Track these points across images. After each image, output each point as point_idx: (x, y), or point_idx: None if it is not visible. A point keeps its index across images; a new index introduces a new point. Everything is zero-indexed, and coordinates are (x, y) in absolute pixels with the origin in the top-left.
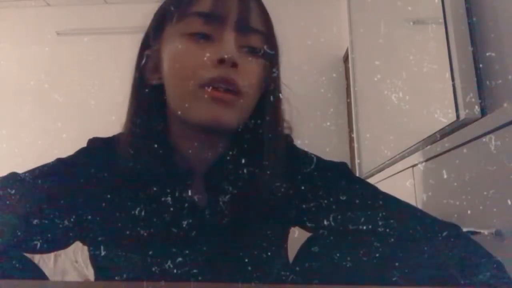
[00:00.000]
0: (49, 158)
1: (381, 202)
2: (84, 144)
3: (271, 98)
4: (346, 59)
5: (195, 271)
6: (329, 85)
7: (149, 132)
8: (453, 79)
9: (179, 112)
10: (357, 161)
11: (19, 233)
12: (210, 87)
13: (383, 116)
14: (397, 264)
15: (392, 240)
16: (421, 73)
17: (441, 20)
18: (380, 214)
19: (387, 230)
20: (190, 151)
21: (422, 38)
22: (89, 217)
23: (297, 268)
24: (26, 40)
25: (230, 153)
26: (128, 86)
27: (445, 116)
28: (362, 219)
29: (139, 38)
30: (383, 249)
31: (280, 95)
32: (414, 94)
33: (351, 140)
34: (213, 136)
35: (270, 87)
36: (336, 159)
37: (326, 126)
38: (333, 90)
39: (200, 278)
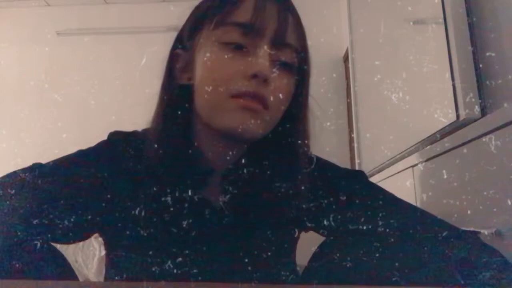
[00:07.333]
0: (49, 158)
1: (394, 208)
2: (84, 144)
3: (298, 110)
4: (346, 59)
5: (195, 271)
6: (329, 85)
7: (175, 131)
8: (453, 79)
9: (205, 116)
10: (357, 161)
11: (35, 224)
12: (240, 98)
13: (383, 116)
14: (411, 266)
15: (393, 241)
16: (421, 73)
17: (441, 20)
18: (394, 218)
19: (396, 232)
20: (210, 152)
21: (422, 38)
22: (105, 211)
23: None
24: (26, 40)
25: (249, 156)
26: (129, 86)
27: (445, 116)
28: (377, 223)
29: (139, 38)
30: (392, 251)
31: (307, 108)
32: (414, 94)
33: (351, 140)
34: (235, 142)
35: (298, 100)
36: (336, 159)
37: (326, 126)
38: (333, 90)
39: (200, 278)
